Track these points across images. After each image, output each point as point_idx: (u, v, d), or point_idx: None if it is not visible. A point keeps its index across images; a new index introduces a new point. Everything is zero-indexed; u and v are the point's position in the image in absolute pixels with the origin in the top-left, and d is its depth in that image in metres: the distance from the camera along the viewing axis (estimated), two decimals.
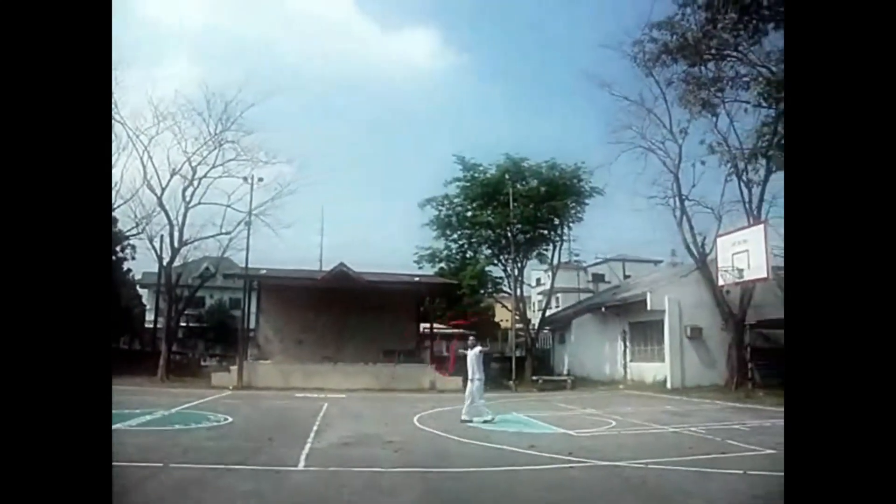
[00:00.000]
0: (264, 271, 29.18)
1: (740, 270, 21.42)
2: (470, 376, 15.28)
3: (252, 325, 31.41)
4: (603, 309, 32.75)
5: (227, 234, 31.00)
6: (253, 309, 31.06)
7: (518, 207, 31.65)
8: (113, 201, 31.18)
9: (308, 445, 10.68)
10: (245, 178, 28.75)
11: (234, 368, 26.36)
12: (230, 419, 14.31)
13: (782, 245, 25.55)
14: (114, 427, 12.01)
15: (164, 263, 30.55)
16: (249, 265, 27.84)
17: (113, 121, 29.11)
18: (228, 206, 30.56)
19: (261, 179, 28.90)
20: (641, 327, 29.43)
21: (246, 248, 27.82)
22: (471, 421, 14.34)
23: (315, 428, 13.07)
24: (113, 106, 28.64)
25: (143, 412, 14.71)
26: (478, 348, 15.90)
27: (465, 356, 16.03)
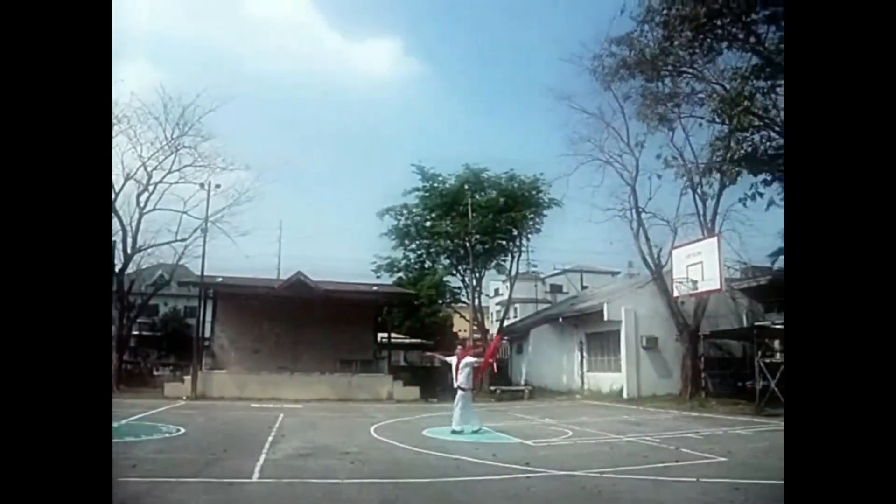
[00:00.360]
0: (220, 279, 28.71)
1: (694, 282, 21.82)
2: (457, 385, 15.23)
3: (207, 334, 30.86)
4: (560, 319, 33.02)
5: (182, 240, 30.53)
6: (208, 317, 30.50)
7: (477, 218, 31.76)
8: None
9: (263, 457, 10.52)
10: (202, 185, 28.34)
11: (188, 378, 25.87)
12: (183, 430, 14.02)
13: (735, 258, 26.26)
14: None
15: (117, 270, 29.83)
16: (205, 273, 27.38)
17: None
18: (184, 212, 30.11)
19: (218, 186, 28.52)
20: (598, 338, 29.75)
21: (202, 256, 27.43)
22: (461, 431, 14.31)
23: (270, 439, 12.88)
24: None
25: None
26: (467, 358, 15.81)
27: (450, 364, 15.92)
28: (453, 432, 14.26)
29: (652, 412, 20.66)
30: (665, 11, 21.65)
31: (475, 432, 14.32)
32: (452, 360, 15.83)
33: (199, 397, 24.05)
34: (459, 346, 17.46)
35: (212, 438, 13.17)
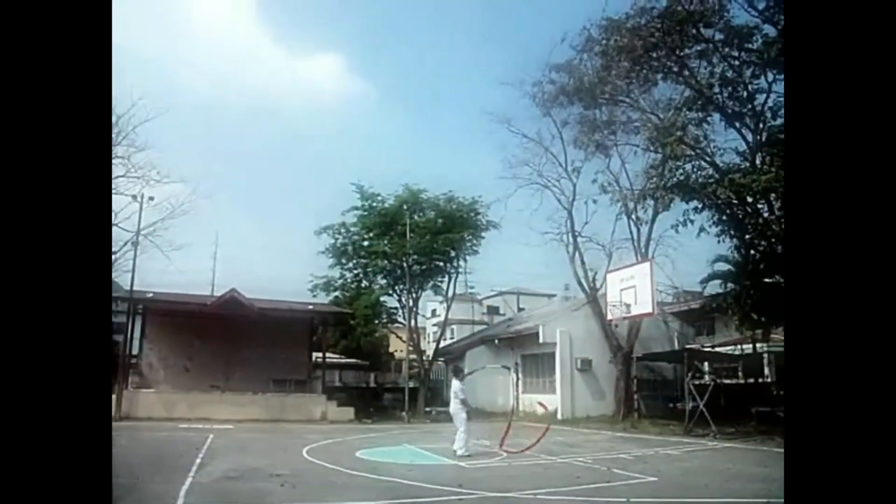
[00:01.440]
0: (151, 295, 27.83)
1: (628, 305, 22.31)
2: (452, 409, 15.35)
3: (135, 352, 29.80)
4: (496, 341, 33.19)
5: (111, 254, 29.48)
6: (137, 334, 29.48)
7: (415, 238, 31.74)
8: None
9: (189, 480, 10.18)
10: (134, 196, 27.45)
11: (112, 397, 24.87)
12: None
13: (667, 282, 26.95)
14: None
15: None
16: (135, 288, 26.49)
17: None
18: (115, 224, 29.12)
19: (151, 198, 27.67)
20: (534, 359, 29.99)
21: (132, 270, 26.51)
22: (469, 455, 14.29)
23: (198, 461, 12.47)
24: None
25: None
26: (458, 382, 15.87)
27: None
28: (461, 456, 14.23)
29: (586, 433, 20.89)
30: (604, 42, 22.28)
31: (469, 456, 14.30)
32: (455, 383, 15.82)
33: (123, 418, 23.13)
34: (453, 366, 17.33)
35: (135, 461, 12.63)
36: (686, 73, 21.51)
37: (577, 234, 27.49)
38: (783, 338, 20.41)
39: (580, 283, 27.81)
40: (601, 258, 27.37)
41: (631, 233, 26.34)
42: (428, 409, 29.34)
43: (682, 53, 21.05)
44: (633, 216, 26.14)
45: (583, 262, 27.48)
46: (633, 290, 22.08)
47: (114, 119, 28.39)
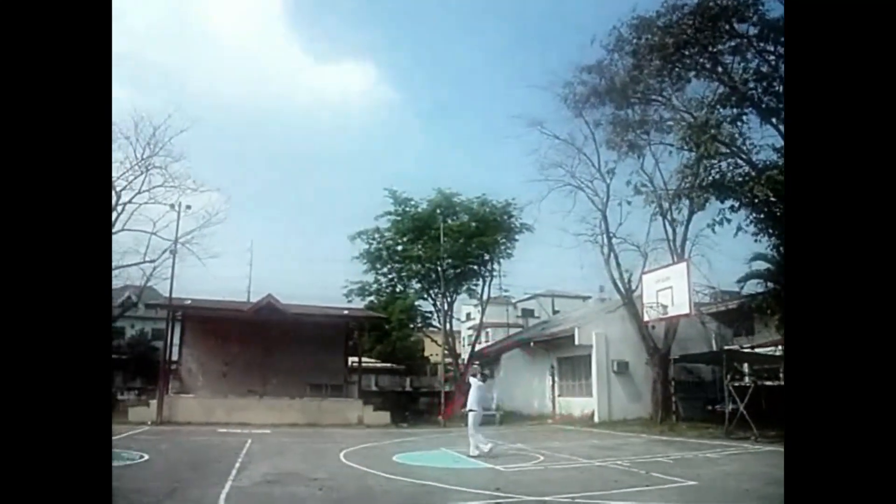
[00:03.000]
0: (189, 301, 28.29)
1: (664, 307, 22.03)
2: (468, 407, 15.25)
3: (175, 358, 30.32)
4: (532, 344, 33.01)
5: (151, 262, 30.08)
6: (176, 340, 29.98)
7: (448, 242, 31.77)
8: None
9: (229, 484, 10.29)
10: (172, 206, 27.99)
11: (153, 402, 25.30)
12: (146, 457, 13.68)
13: (704, 282, 26.57)
14: None
15: None
16: (174, 295, 26.91)
17: None
18: (153, 233, 29.70)
19: (188, 207, 28.20)
20: (569, 362, 29.77)
21: (171, 278, 26.95)
22: (479, 455, 14.28)
23: (237, 465, 12.62)
24: None
25: None
26: (479, 381, 15.93)
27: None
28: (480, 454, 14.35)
29: (622, 436, 20.66)
30: (634, 41, 22.08)
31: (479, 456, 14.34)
32: (472, 382, 15.97)
33: (164, 422, 23.54)
34: (473, 366, 17.41)
35: (176, 465, 12.88)
36: (720, 69, 21.20)
37: (611, 235, 27.22)
38: None
39: (615, 285, 27.54)
40: (636, 259, 27.08)
41: (666, 233, 26.02)
42: (464, 411, 29.29)
43: (715, 50, 20.76)
44: (668, 216, 25.80)
45: (618, 264, 27.22)
46: (670, 291, 21.80)
47: (150, 131, 29.03)
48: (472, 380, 15.89)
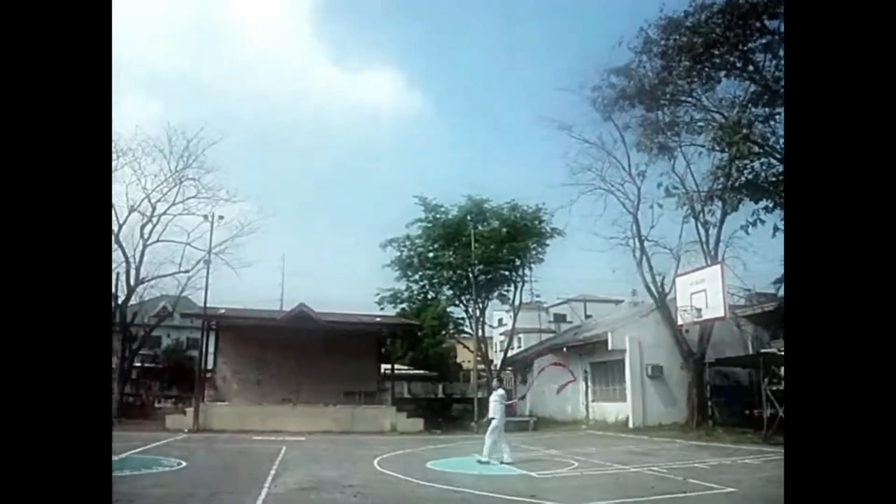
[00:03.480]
0: (223, 311, 28.65)
1: (698, 310, 21.75)
2: (490, 416, 15.31)
3: (210, 366, 30.72)
4: (564, 349, 32.81)
5: (185, 272, 30.55)
6: (211, 349, 30.38)
7: (479, 248, 31.74)
8: None
9: (264, 491, 10.38)
10: (205, 216, 28.42)
11: (189, 410, 25.63)
12: (184, 464, 13.87)
13: (738, 285, 26.18)
14: None
15: (120, 302, 29.79)
16: (208, 304, 27.29)
17: None
18: (188, 243, 30.18)
19: (221, 217, 28.59)
20: (603, 367, 29.54)
21: (205, 287, 27.34)
22: (488, 462, 14.30)
23: (272, 472, 12.72)
24: None
25: None
26: (500, 390, 16.02)
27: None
28: (479, 462, 14.39)
29: (658, 442, 20.43)
30: (663, 42, 21.93)
31: (487, 463, 14.33)
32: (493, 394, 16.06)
33: (200, 430, 23.84)
34: (495, 381, 17.44)
35: (213, 472, 13.04)
36: (751, 67, 20.95)
37: (643, 238, 26.95)
38: None
39: (648, 289, 27.26)
40: (669, 262, 26.78)
41: (699, 235, 25.69)
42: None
43: (745, 48, 20.53)
44: (701, 218, 25.49)
45: (650, 267, 26.94)
46: (704, 294, 21.52)
47: (184, 143, 29.51)
48: (493, 392, 15.95)
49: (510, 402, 15.86)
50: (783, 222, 21.94)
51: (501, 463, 14.31)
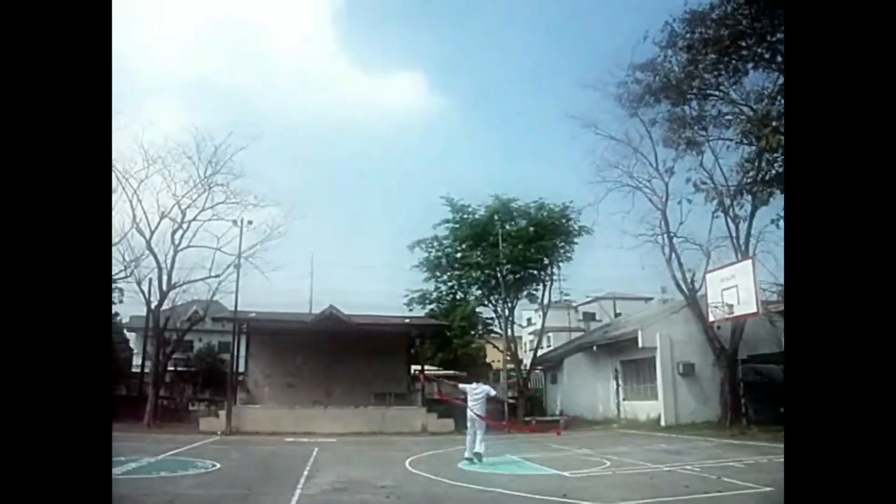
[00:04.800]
0: (254, 314, 28.93)
1: (730, 306, 21.47)
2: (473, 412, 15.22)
3: (241, 369, 31.05)
4: (594, 348, 32.65)
5: (216, 277, 30.81)
6: (242, 352, 30.73)
7: (507, 248, 31.69)
8: None
9: (298, 492, 10.47)
10: (234, 221, 28.70)
11: (222, 413, 25.96)
12: (218, 465, 14.04)
13: (771, 280, 25.81)
14: None
15: (152, 307, 30.22)
16: (239, 308, 27.61)
17: None
18: (218, 248, 30.44)
19: (250, 222, 28.86)
20: (633, 365, 29.33)
21: (235, 291, 27.66)
22: (472, 460, 14.31)
23: (305, 473, 12.83)
24: None
25: (128, 459, 14.39)
26: (481, 388, 15.78)
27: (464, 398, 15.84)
28: (466, 460, 14.36)
29: (691, 440, 20.21)
30: (688, 35, 21.70)
31: (470, 460, 14.36)
32: (467, 387, 15.95)
33: (233, 432, 24.13)
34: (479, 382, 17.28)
35: (246, 473, 13.18)
36: (779, 59, 20.62)
37: (672, 234, 26.72)
38: None
39: (678, 285, 26.99)
40: (699, 258, 26.51)
41: (729, 230, 25.37)
42: (528, 418, 29.14)
43: (773, 39, 20.21)
44: (731, 213, 25.16)
45: (680, 264, 26.68)
46: (735, 290, 21.24)
47: (211, 149, 29.86)
48: (467, 386, 15.77)
49: (494, 396, 15.65)
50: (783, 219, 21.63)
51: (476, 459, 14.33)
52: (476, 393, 15.46)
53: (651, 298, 48.70)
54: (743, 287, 20.97)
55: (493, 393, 15.79)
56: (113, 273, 31.94)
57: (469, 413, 15.27)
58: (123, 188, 29.64)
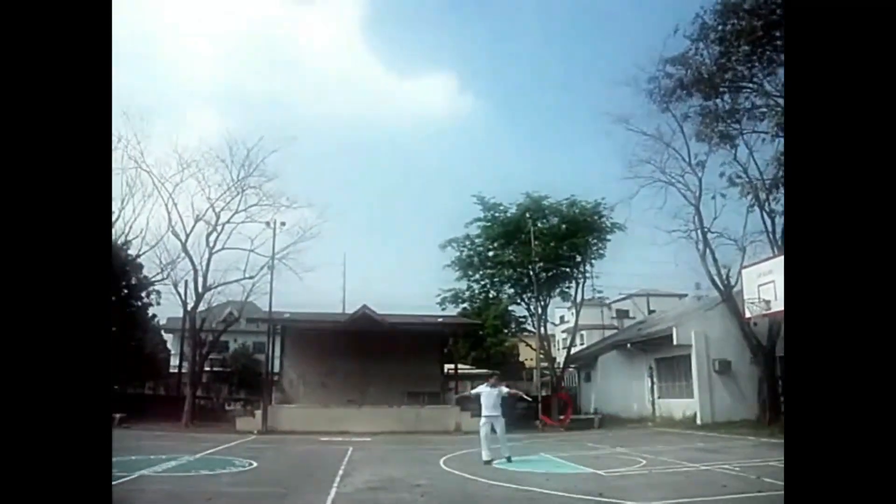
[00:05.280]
0: (288, 315, 29.23)
1: (767, 302, 21.09)
2: (485, 414, 15.07)
3: (276, 369, 31.39)
4: (628, 345, 32.38)
5: (250, 278, 31.16)
6: (277, 353, 31.07)
7: (539, 245, 31.56)
8: (138, 249, 31.69)
9: (334, 490, 10.56)
10: (267, 223, 29.04)
11: (258, 412, 26.28)
12: (255, 464, 14.22)
13: None
14: (138, 473, 12.03)
15: (189, 308, 30.70)
16: (273, 309, 27.93)
17: (139, 169, 29.73)
18: (251, 250, 30.79)
19: (283, 224, 29.14)
20: (668, 363, 29.02)
21: (269, 292, 27.97)
22: (490, 461, 14.15)
23: (341, 472, 12.93)
24: (139, 155, 29.31)
25: (168, 458, 14.68)
26: (497, 388, 15.60)
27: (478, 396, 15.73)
28: (485, 462, 14.12)
29: (728, 439, 19.94)
30: (720, 27, 21.38)
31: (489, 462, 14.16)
32: (481, 388, 15.88)
33: (269, 431, 24.41)
34: (494, 378, 17.13)
35: (283, 472, 13.33)
36: None
37: (706, 230, 26.33)
38: None
39: (713, 281, 26.60)
40: (734, 254, 26.08)
41: (765, 225, 24.91)
42: (561, 416, 29.00)
43: None
44: (766, 207, 24.70)
45: (714, 259, 26.29)
46: (772, 286, 20.84)
47: (244, 152, 30.24)
48: (491, 390, 15.56)
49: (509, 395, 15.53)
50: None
51: (507, 460, 14.16)
52: (490, 394, 15.36)
53: (685, 295, 48.15)
54: (780, 282, 20.59)
55: (506, 391, 15.65)
56: (150, 276, 32.59)
57: (483, 413, 15.19)
58: (159, 192, 30.23)
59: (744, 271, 23.31)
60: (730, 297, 25.54)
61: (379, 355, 28.62)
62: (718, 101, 24.01)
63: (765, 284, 21.18)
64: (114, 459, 13.92)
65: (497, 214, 33.91)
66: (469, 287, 35.54)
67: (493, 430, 14.87)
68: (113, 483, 10.72)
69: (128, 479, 11.43)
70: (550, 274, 33.12)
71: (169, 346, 46.69)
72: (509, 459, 14.19)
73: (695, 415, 25.73)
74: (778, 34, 20.05)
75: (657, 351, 29.48)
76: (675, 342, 26.95)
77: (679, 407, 27.20)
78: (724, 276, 26.08)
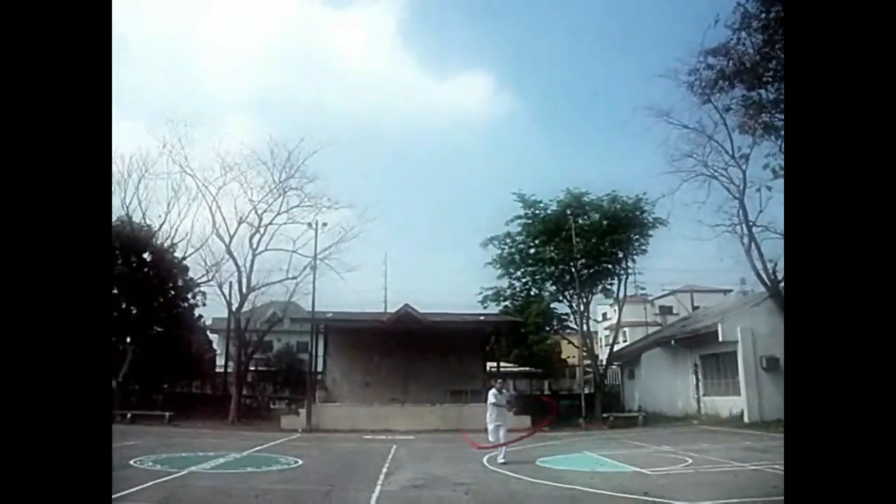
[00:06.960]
0: (330, 315, 29.52)
1: None
2: (493, 417, 15.58)
3: (320, 368, 31.72)
4: (672, 342, 31.91)
5: (293, 278, 31.57)
6: (320, 352, 31.39)
7: (580, 242, 31.32)
8: (184, 251, 32.37)
9: (378, 488, 10.66)
10: (309, 224, 29.38)
11: (302, 411, 26.61)
12: (300, 462, 14.41)
13: None
14: (188, 470, 12.30)
15: (234, 309, 31.20)
16: (316, 309, 28.23)
17: (183, 174, 30.36)
18: (294, 251, 31.19)
19: (324, 224, 29.46)
20: (713, 359, 28.52)
21: (312, 292, 28.27)
22: (506, 462, 14.07)
23: (385, 470, 13.04)
24: (183, 160, 29.94)
25: (216, 455, 14.97)
26: (504, 392, 16.38)
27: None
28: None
29: (777, 438, 19.49)
30: (763, 15, 20.91)
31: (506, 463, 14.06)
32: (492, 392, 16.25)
33: (313, 430, 24.69)
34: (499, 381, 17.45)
35: (328, 470, 13.47)
36: None
37: (751, 223, 25.77)
38: None
39: (759, 276, 26.05)
40: (780, 247, 25.46)
41: None
42: (605, 414, 28.74)
43: None
44: None
45: (760, 254, 25.73)
46: None
47: (285, 154, 30.66)
48: (491, 393, 16.03)
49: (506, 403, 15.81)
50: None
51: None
52: (498, 398, 15.79)
53: (730, 290, 47.23)
54: None
55: (513, 394, 16.25)
56: (196, 277, 33.23)
57: (491, 414, 15.66)
58: (203, 196, 30.83)
59: None
60: (776, 293, 24.99)
61: (421, 354, 28.74)
62: (762, 91, 23.46)
63: None
64: (164, 456, 14.33)
65: (537, 212, 33.76)
66: (510, 285, 35.48)
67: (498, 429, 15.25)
68: (163, 479, 11.02)
69: (178, 475, 11.70)
70: (592, 270, 32.85)
71: (215, 345, 47.53)
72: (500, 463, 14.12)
73: (742, 413, 25.23)
74: None
75: (702, 347, 29.00)
76: (720, 338, 26.48)
77: (725, 405, 26.71)
78: (771, 271, 25.53)
